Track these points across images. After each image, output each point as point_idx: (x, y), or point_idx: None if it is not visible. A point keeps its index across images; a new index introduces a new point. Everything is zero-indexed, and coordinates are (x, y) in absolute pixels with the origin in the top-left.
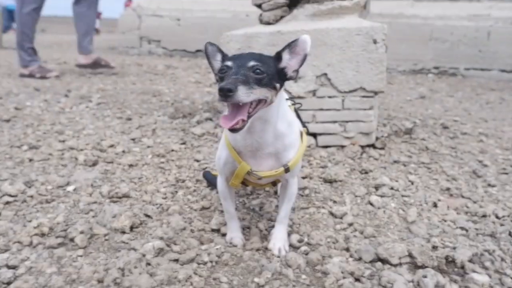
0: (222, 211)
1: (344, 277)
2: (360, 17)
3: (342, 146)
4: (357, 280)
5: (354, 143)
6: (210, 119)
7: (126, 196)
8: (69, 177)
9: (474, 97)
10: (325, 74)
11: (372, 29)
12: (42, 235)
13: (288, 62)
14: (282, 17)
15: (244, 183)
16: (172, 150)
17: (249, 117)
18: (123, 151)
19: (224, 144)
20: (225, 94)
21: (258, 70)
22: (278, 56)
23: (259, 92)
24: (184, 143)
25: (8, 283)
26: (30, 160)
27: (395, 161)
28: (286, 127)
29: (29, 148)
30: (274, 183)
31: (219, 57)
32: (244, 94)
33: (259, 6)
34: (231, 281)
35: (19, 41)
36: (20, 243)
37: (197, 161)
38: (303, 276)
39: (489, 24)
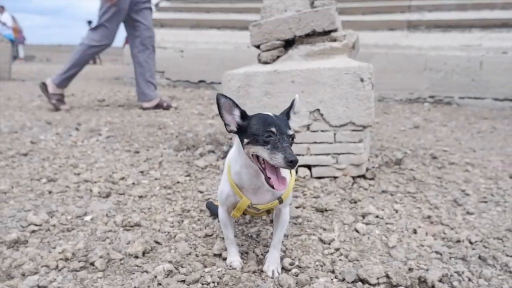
0: (223, 238)
1: None
2: (349, 57)
3: (335, 177)
4: None
5: (345, 174)
6: (213, 151)
7: (138, 225)
8: (86, 208)
9: (467, 126)
10: (318, 110)
11: (359, 69)
12: (66, 259)
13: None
14: (278, 57)
15: (243, 213)
16: (178, 182)
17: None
18: (133, 183)
19: (227, 180)
20: (294, 163)
21: (293, 136)
22: (288, 116)
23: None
24: (188, 175)
25: None
26: (50, 192)
27: (383, 191)
28: (288, 178)
29: (47, 181)
30: (268, 212)
31: (237, 112)
32: (290, 157)
33: (257, 46)
34: None
35: (145, 77)
36: (47, 266)
37: (201, 192)
38: None
39: (480, 54)
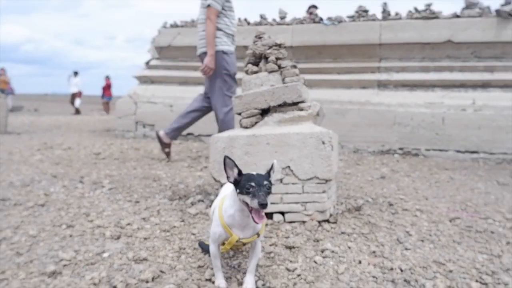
0: (212, 268)
1: None
2: (314, 123)
3: (303, 221)
4: None
5: (312, 219)
6: (202, 201)
7: (145, 259)
8: (102, 247)
9: (428, 177)
10: (289, 167)
11: (321, 134)
12: (95, 284)
13: (272, 177)
14: (256, 122)
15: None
16: (174, 226)
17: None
18: (138, 228)
19: (219, 223)
20: (265, 206)
21: (269, 187)
22: (269, 175)
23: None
24: (183, 221)
25: None
26: (70, 235)
27: (342, 232)
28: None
29: (67, 227)
30: (244, 244)
31: (236, 170)
32: (269, 203)
33: (239, 114)
34: None
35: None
36: None
37: (193, 234)
38: None
39: (442, 111)
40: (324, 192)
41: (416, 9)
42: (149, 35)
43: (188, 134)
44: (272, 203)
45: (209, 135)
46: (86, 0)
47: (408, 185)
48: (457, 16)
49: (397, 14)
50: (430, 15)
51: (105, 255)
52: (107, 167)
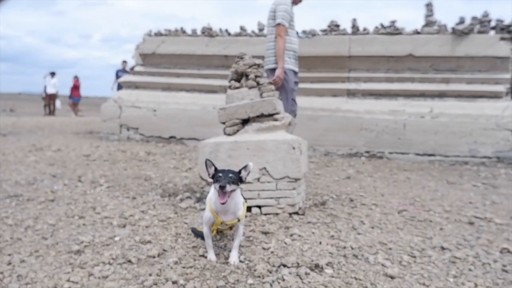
0: (204, 247)
1: (267, 271)
2: (286, 132)
3: (277, 214)
4: (269, 271)
5: (284, 211)
6: (190, 197)
7: (149, 242)
8: (113, 233)
9: (388, 177)
10: (265, 168)
11: (292, 141)
12: (113, 259)
13: (243, 174)
14: (238, 130)
15: (219, 230)
16: (169, 217)
17: (229, 196)
18: (139, 218)
19: (208, 209)
20: (223, 188)
21: (233, 178)
22: (239, 172)
23: (233, 187)
24: (176, 213)
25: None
26: (84, 224)
27: (308, 222)
28: (238, 201)
29: (79, 218)
30: (231, 228)
31: (213, 168)
32: (229, 187)
33: (223, 123)
34: (211, 275)
35: None
36: (103, 262)
37: (186, 223)
38: (245, 272)
39: (404, 118)
40: (294, 189)
41: (382, 25)
42: (125, 35)
43: (171, 137)
44: (250, 199)
45: (190, 139)
46: None
47: (369, 184)
48: (418, 33)
49: (365, 29)
50: (394, 31)
51: (116, 238)
52: (99, 168)
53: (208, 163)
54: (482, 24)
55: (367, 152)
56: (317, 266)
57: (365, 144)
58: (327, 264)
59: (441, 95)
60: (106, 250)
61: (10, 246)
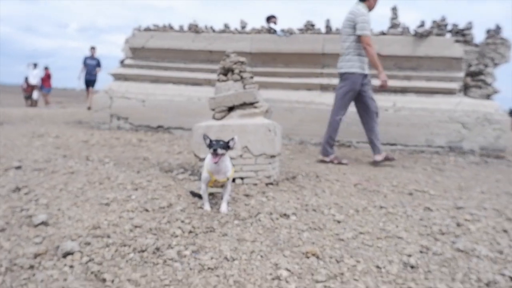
0: (202, 204)
1: (248, 216)
2: (264, 117)
3: (256, 184)
4: (250, 216)
5: (261, 182)
6: (184, 172)
7: (158, 199)
8: (129, 194)
9: (352, 162)
10: (246, 146)
11: (268, 124)
12: (135, 208)
13: (231, 143)
14: (224, 116)
15: (214, 185)
16: (170, 184)
17: (219, 158)
18: (147, 185)
19: (205, 171)
20: (215, 150)
21: (222, 144)
22: (228, 142)
23: (223, 151)
24: (175, 182)
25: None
26: (104, 188)
27: (280, 190)
28: (228, 164)
29: (99, 184)
30: (222, 186)
31: (208, 140)
32: (220, 151)
33: (213, 109)
34: (207, 219)
35: (327, 138)
36: (127, 210)
37: (184, 188)
38: (232, 217)
39: None
40: (270, 164)
41: None
42: (102, 25)
43: (159, 126)
44: (236, 172)
45: (176, 128)
46: None
47: (335, 166)
48: (384, 34)
49: (337, 29)
50: None
51: (133, 197)
52: (100, 150)
53: (205, 136)
54: (440, 27)
55: (337, 141)
56: (285, 214)
57: None
58: (292, 214)
59: (403, 90)
60: (128, 203)
61: (53, 201)
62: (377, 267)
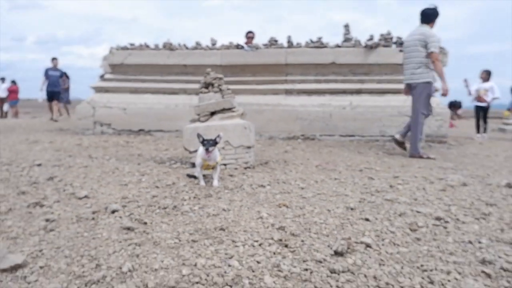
0: (197, 183)
1: (235, 187)
2: (240, 119)
3: (236, 168)
4: (236, 187)
5: (240, 167)
6: (175, 163)
7: (163, 179)
8: (140, 177)
9: (316, 150)
10: (227, 141)
11: (244, 124)
12: (147, 185)
13: (218, 140)
14: (208, 119)
15: (206, 168)
16: (168, 171)
17: (211, 152)
18: (150, 172)
19: (200, 157)
20: (208, 149)
21: (212, 142)
22: (215, 139)
23: (213, 148)
24: (172, 169)
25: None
26: (118, 175)
27: (256, 171)
28: (216, 153)
29: (112, 173)
30: (213, 167)
31: (201, 138)
32: (211, 148)
33: (198, 114)
34: (203, 190)
35: (416, 137)
36: (142, 187)
37: (180, 173)
38: (222, 188)
39: (330, 109)
40: (247, 153)
41: (311, 40)
42: (62, 37)
43: (140, 130)
44: (222, 160)
45: (157, 131)
46: None
47: (301, 155)
48: (339, 46)
49: (298, 43)
50: (320, 45)
51: (143, 180)
52: (96, 151)
53: (198, 134)
54: (386, 40)
55: (302, 135)
56: (262, 185)
57: (301, 129)
58: (267, 185)
59: (358, 92)
60: (141, 183)
61: (83, 184)
62: (328, 210)
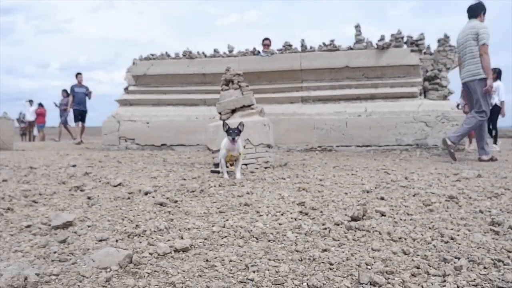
0: (221, 177)
1: (257, 179)
2: (259, 116)
3: (257, 168)
4: (258, 180)
5: (261, 166)
6: (199, 164)
7: (189, 175)
8: (168, 173)
9: (333, 159)
10: (248, 139)
11: (263, 121)
12: (176, 178)
13: (240, 127)
14: (229, 116)
15: (230, 159)
16: (193, 169)
17: (236, 141)
18: (176, 171)
19: (223, 148)
20: (233, 138)
21: (237, 131)
22: (238, 127)
23: (238, 137)
24: (195, 168)
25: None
26: (146, 172)
27: (277, 171)
28: (240, 143)
29: (141, 171)
30: (236, 159)
31: (227, 126)
32: (236, 138)
33: (220, 113)
34: (227, 182)
35: (483, 140)
36: (171, 178)
37: (205, 170)
38: (245, 180)
39: (345, 117)
40: (267, 152)
41: (324, 44)
42: (84, 62)
43: (162, 145)
44: (243, 160)
45: (178, 145)
46: (19, 26)
47: (318, 162)
48: (351, 49)
49: (311, 47)
50: (333, 48)
51: (170, 174)
52: (124, 159)
53: (224, 123)
54: (397, 40)
55: (319, 146)
56: (282, 178)
57: (318, 140)
58: (287, 177)
59: (372, 97)
60: (169, 177)
61: (116, 177)
62: (345, 193)
